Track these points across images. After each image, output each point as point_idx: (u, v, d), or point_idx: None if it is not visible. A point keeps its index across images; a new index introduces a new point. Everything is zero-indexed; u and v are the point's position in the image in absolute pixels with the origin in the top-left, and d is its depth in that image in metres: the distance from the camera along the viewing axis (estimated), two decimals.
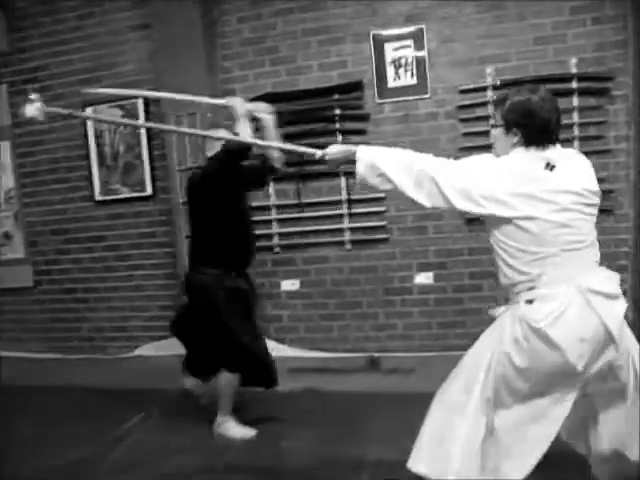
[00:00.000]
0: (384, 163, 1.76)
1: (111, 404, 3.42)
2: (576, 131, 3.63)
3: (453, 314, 3.84)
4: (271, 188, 3.92)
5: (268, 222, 3.94)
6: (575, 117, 3.63)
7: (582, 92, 3.62)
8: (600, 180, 3.47)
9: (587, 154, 3.51)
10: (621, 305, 1.66)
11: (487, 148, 3.68)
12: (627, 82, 3.61)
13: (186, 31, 3.81)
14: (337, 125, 3.79)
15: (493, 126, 1.77)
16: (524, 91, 1.71)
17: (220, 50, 3.94)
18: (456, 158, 3.57)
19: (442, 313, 3.85)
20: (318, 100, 3.81)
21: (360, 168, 1.80)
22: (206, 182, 2.70)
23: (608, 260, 3.63)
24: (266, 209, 3.94)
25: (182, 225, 3.88)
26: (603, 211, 3.60)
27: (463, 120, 3.72)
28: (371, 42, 3.74)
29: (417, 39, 3.71)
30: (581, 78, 3.61)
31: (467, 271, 3.80)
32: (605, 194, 3.60)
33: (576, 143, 3.62)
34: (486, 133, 3.66)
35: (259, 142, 2.54)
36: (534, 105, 1.66)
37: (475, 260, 3.76)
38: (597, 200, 1.70)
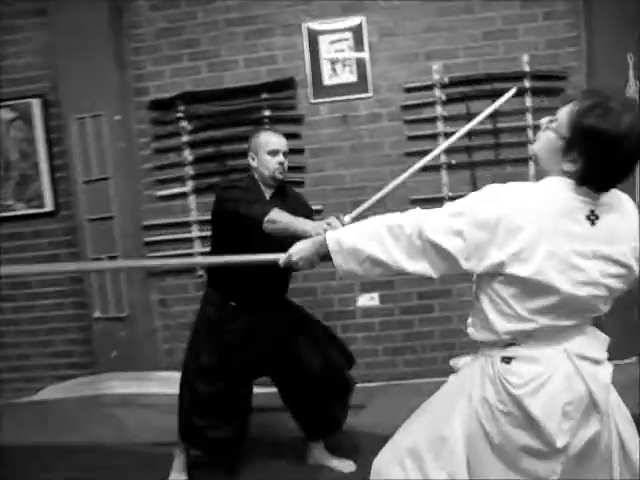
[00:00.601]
0: (363, 243, 1.37)
1: (4, 467, 2.84)
2: (530, 134, 3.33)
3: (401, 339, 3.45)
4: (192, 202, 3.41)
5: (189, 240, 3.43)
6: (529, 119, 3.34)
7: (535, 92, 3.34)
8: None
9: None
10: (607, 370, 1.33)
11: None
12: (580, 82, 3.38)
13: (90, 19, 3.26)
14: (266, 128, 3.31)
15: (548, 128, 1.31)
16: (615, 112, 1.18)
17: (130, 42, 3.40)
18: (401, 164, 3.15)
19: (389, 338, 3.45)
20: (244, 100, 3.33)
21: (338, 260, 1.43)
22: (222, 199, 2.36)
23: None
24: (186, 226, 3.42)
25: (89, 246, 3.32)
26: None
27: (408, 122, 3.34)
28: (304, 35, 3.31)
29: (356, 32, 3.30)
30: (534, 77, 3.32)
31: (416, 290, 3.42)
32: None
33: (530, 147, 3.31)
34: (434, 137, 3.32)
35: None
36: (621, 140, 1.17)
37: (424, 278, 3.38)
38: (636, 273, 1.31)
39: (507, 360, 1.33)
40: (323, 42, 3.31)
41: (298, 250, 1.61)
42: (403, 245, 1.33)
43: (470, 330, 1.45)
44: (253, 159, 2.43)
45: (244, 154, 3.32)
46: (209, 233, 3.29)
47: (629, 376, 2.88)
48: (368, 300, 3.42)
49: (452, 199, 3.37)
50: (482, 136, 3.33)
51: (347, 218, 2.05)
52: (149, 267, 3.26)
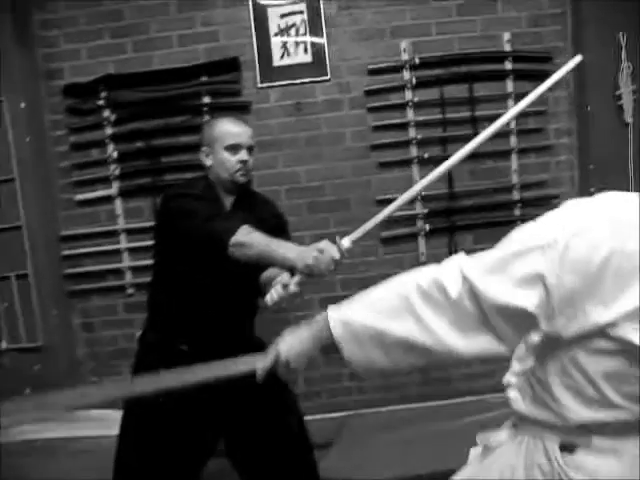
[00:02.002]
0: (387, 320, 0.93)
1: None
2: (512, 123, 2.92)
3: None
4: (119, 207, 2.86)
5: (116, 253, 2.87)
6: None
7: (518, 75, 2.93)
8: (541, 184, 2.76)
9: (526, 151, 2.83)
10: None
11: (405, 145, 2.88)
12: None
13: None
14: (206, 118, 2.79)
15: None
16: None
17: (38, 14, 2.80)
18: (365, 158, 2.64)
19: None
20: (179, 84, 2.78)
21: (351, 351, 1.00)
22: (171, 212, 1.80)
23: None
24: (113, 235, 2.87)
25: None
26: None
27: (373, 109, 2.87)
28: (250, 6, 2.79)
29: (311, 4, 2.80)
30: (516, 58, 2.91)
31: None
32: (548, 201, 2.91)
33: (513, 138, 2.93)
34: (403, 126, 2.87)
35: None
36: None
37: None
38: None
39: (570, 449, 0.91)
40: (272, 15, 2.80)
41: (289, 346, 1.10)
42: (449, 316, 0.89)
43: (513, 397, 1.01)
44: (207, 156, 1.87)
45: (180, 149, 2.83)
46: (141, 244, 2.84)
47: None
48: None
49: (425, 199, 3.00)
50: (458, 126, 2.91)
51: (346, 242, 1.53)
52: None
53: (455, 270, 0.88)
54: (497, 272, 0.84)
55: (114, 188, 2.84)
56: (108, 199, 2.86)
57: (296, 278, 1.54)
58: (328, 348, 1.03)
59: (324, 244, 1.50)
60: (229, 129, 1.85)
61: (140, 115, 2.80)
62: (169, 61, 2.80)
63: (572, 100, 2.99)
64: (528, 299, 0.81)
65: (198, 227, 1.66)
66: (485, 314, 0.85)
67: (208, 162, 1.87)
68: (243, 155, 1.84)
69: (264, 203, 2.05)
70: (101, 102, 2.78)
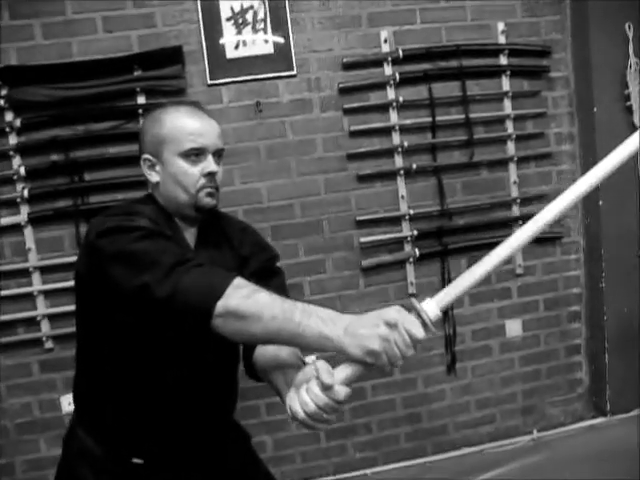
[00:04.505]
0: None
1: None
2: (510, 127, 2.53)
3: (351, 415, 2.50)
4: (30, 237, 2.23)
5: (28, 297, 2.23)
6: (507, 107, 2.55)
7: (514, 72, 2.54)
8: (541, 198, 2.37)
9: (525, 160, 2.37)
10: None
11: (388, 154, 2.38)
12: (566, 60, 2.64)
13: None
14: (141, 124, 2.22)
15: None
16: None
17: None
18: (340, 170, 2.17)
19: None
20: (106, 80, 2.19)
21: None
22: (106, 257, 1.07)
23: (557, 308, 2.52)
24: (23, 274, 2.23)
25: None
26: (548, 240, 2.59)
27: (349, 111, 2.39)
28: None
29: None
30: (512, 51, 2.54)
31: None
32: None
33: (511, 145, 2.56)
34: (386, 131, 2.43)
35: None
36: None
37: None
38: None
39: None
40: None
41: None
42: None
43: None
44: (152, 168, 1.24)
45: (109, 162, 2.25)
46: (61, 285, 2.21)
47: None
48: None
49: (413, 219, 2.51)
50: (450, 131, 2.47)
51: (431, 307, 0.91)
52: None
53: None
54: None
55: (23, 214, 2.21)
56: (15, 228, 2.22)
57: (346, 372, 0.91)
58: None
59: (396, 313, 0.89)
60: (187, 125, 1.21)
61: (55, 120, 2.18)
62: (92, 51, 2.20)
63: (571, 101, 2.65)
64: None
65: (155, 285, 0.99)
66: None
67: (154, 178, 1.23)
68: (210, 164, 1.21)
69: (242, 232, 1.40)
70: (1, 102, 2.16)
